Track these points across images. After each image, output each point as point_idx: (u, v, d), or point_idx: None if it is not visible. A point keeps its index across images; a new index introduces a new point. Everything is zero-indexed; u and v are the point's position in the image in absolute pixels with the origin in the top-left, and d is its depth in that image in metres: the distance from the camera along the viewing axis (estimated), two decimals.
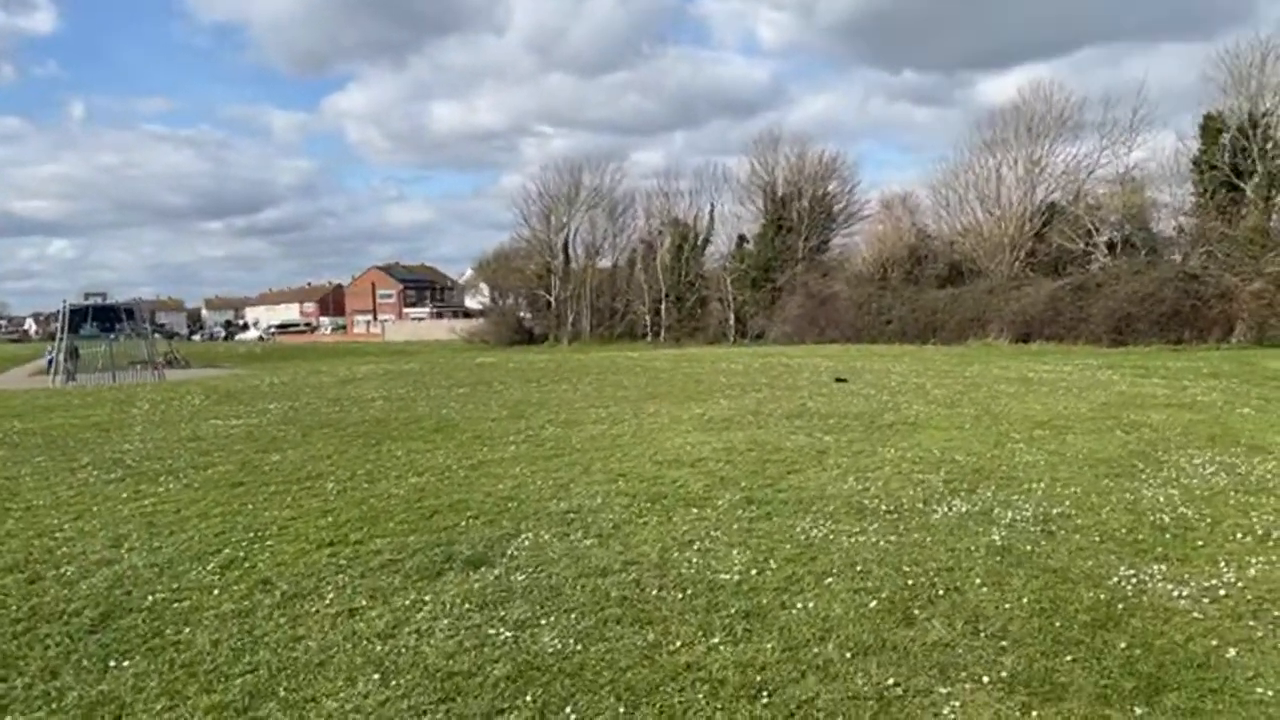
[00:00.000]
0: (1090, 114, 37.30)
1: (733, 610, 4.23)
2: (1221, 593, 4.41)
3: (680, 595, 4.48)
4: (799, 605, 4.25)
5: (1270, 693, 3.29)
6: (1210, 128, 32.10)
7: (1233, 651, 3.70)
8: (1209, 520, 5.88)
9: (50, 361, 24.87)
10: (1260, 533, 5.55)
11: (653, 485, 7.18)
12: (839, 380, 16.72)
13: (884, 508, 6.28)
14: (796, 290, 39.37)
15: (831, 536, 5.48)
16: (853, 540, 5.40)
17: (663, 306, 46.39)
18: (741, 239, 46.45)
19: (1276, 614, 4.12)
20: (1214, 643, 3.79)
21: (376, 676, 3.56)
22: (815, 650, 3.72)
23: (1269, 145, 30.82)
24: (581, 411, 12.24)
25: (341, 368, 22.91)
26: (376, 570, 4.95)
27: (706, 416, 11.60)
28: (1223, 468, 7.76)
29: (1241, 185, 30.59)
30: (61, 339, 24.97)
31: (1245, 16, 63.40)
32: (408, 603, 4.41)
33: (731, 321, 43.46)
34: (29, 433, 11.68)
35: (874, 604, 4.25)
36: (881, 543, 5.30)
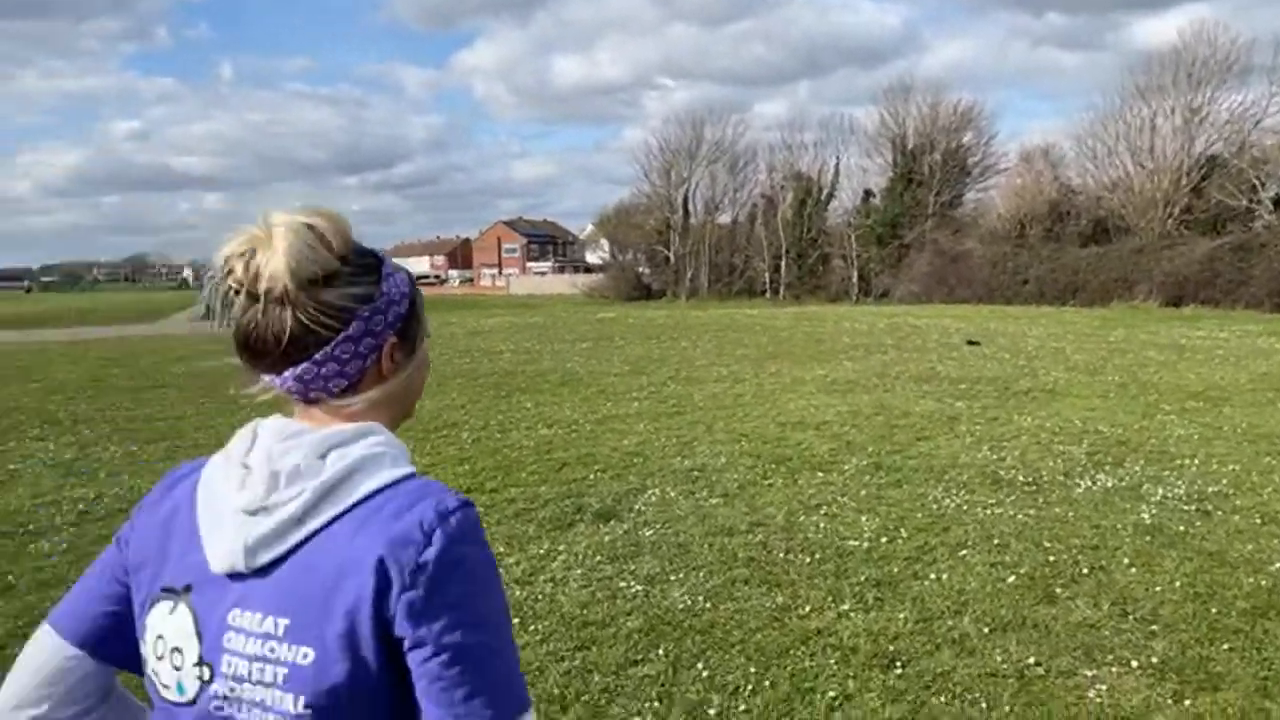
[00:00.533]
0: (1259, 57, 33.98)
1: (863, 578, 4.20)
2: None
3: (808, 559, 4.47)
4: (932, 576, 4.17)
5: None
6: None
7: None
8: None
9: (208, 307, 26.74)
10: None
11: (776, 447, 7.15)
12: (971, 343, 16.10)
13: (1021, 479, 6.05)
14: (925, 247, 37.92)
15: (965, 507, 5.33)
16: (988, 512, 5.24)
17: (783, 263, 45.59)
18: (868, 193, 44.97)
19: None
20: None
21: (516, 621, 3.72)
22: (950, 623, 3.66)
23: None
24: (703, 369, 12.27)
25: (470, 319, 23.66)
26: (512, 519, 5.16)
27: (830, 378, 11.42)
28: None
29: None
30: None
31: None
32: (542, 551, 4.58)
33: (854, 279, 42.32)
34: (193, 374, 12.64)
35: (1012, 579, 4.12)
36: (1020, 516, 5.12)
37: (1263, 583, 4.11)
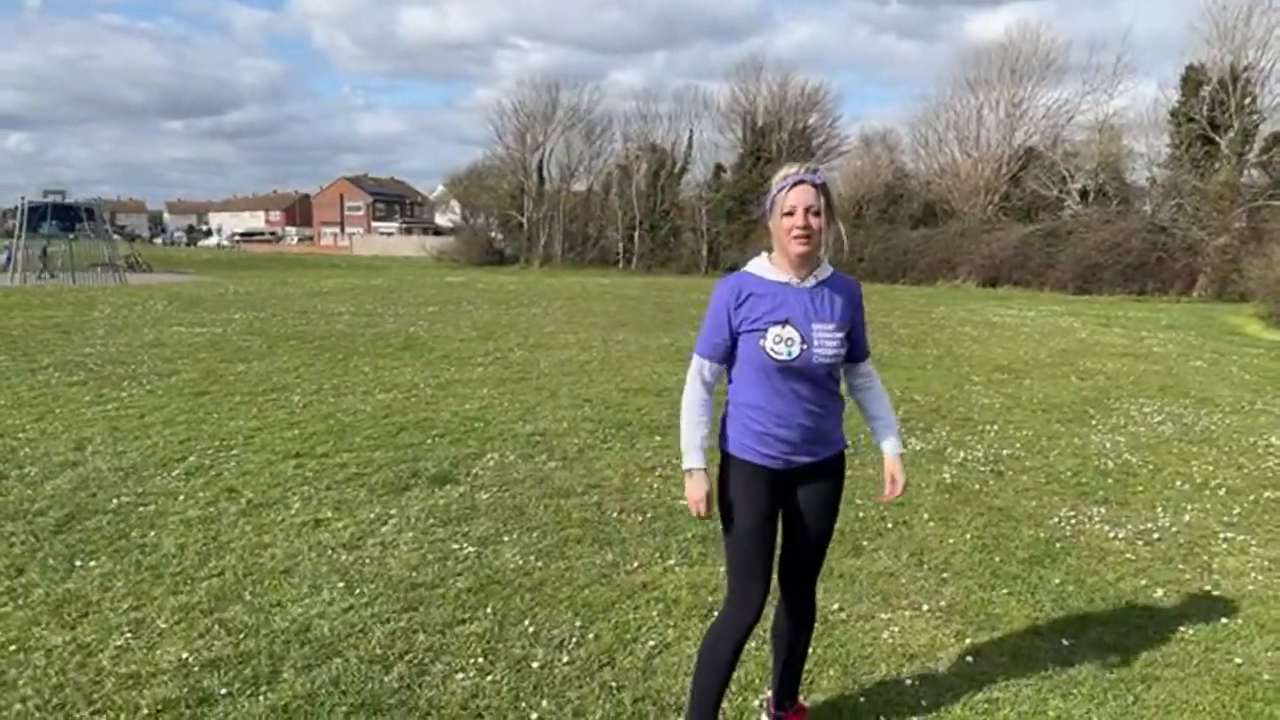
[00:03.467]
0: (1075, 57, 37.09)
1: (689, 534, 4.37)
2: (1155, 536, 4.63)
3: (640, 519, 4.61)
4: None
5: (1191, 631, 3.50)
6: (1191, 79, 32.03)
7: (1160, 592, 3.91)
8: (1151, 467, 6.12)
9: (9, 259, 24.25)
10: (1199, 481, 5.80)
11: (618, 411, 7.29)
12: None
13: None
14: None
15: None
16: None
17: (636, 234, 46.01)
18: (719, 168, 45.95)
19: (1205, 558, 4.35)
20: (1143, 583, 4.00)
21: (341, 584, 3.65)
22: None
23: (1247, 100, 30.87)
24: (551, 336, 12.28)
25: (308, 280, 22.61)
26: (342, 483, 5.03)
27: (674, 347, 11.69)
28: (1170, 417, 8.03)
29: (1217, 139, 30.73)
30: (20, 237, 24.33)
31: None
32: (373, 516, 4.49)
33: (704, 253, 43.30)
34: None
35: None
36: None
37: (1041, 535, 4.59)
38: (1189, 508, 5.17)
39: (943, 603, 3.69)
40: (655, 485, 5.23)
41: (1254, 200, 28.16)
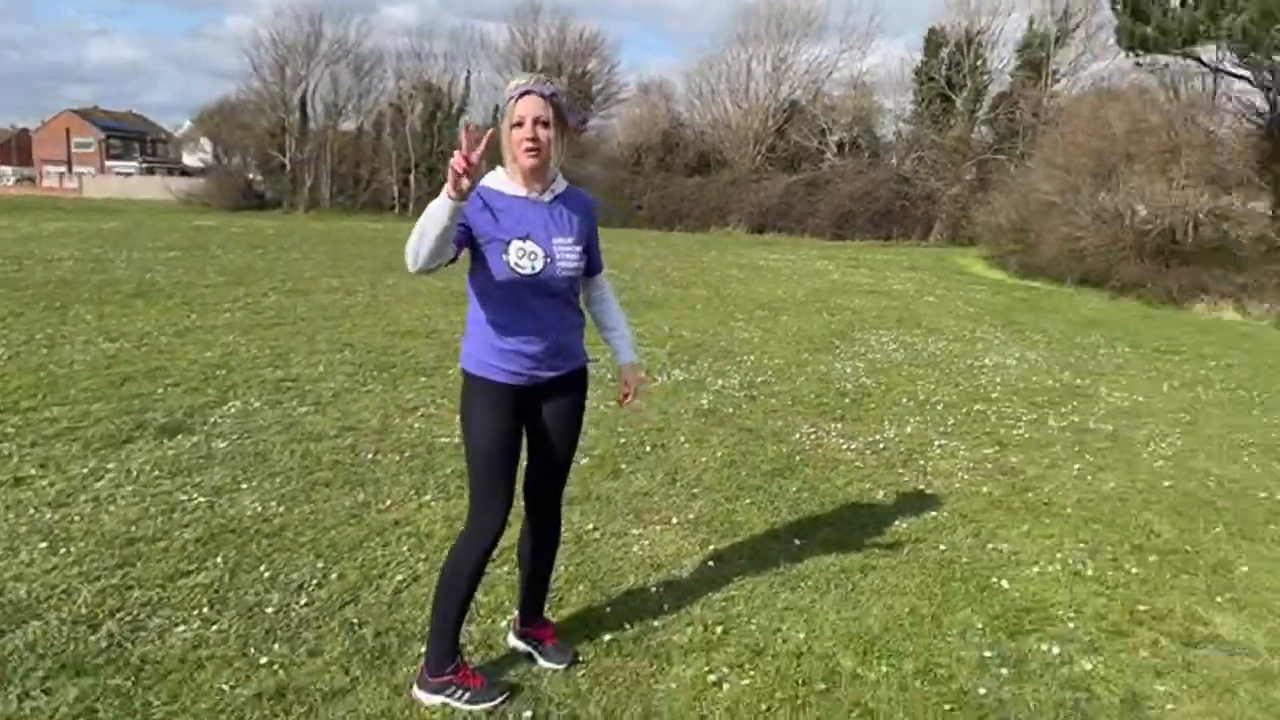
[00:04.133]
0: (834, 17, 39.46)
1: (449, 470, 4.28)
2: (881, 446, 5.10)
3: (398, 458, 4.45)
4: None
5: (905, 526, 3.89)
6: (933, 41, 35.07)
7: (881, 494, 4.32)
8: (883, 388, 6.73)
9: None
10: (922, 398, 6.45)
11: (382, 355, 6.98)
12: None
13: (609, 377, 6.55)
14: None
15: None
16: None
17: (412, 177, 44.13)
18: (497, 110, 44.94)
19: (921, 463, 4.85)
20: (868, 486, 4.40)
21: (44, 545, 3.24)
22: (519, 504, 3.86)
23: (979, 62, 34.26)
24: (311, 281, 11.54)
25: (24, 223, 19.76)
26: (51, 439, 4.45)
27: (447, 289, 11.35)
28: (902, 345, 8.87)
29: (953, 97, 33.93)
30: None
31: None
32: (85, 471, 4.02)
33: None
34: None
35: (586, 461, 4.47)
36: (602, 407, 5.56)
37: (784, 450, 4.92)
38: (912, 420, 5.74)
39: (691, 515, 3.86)
40: (416, 425, 5.07)
41: (982, 154, 31.45)
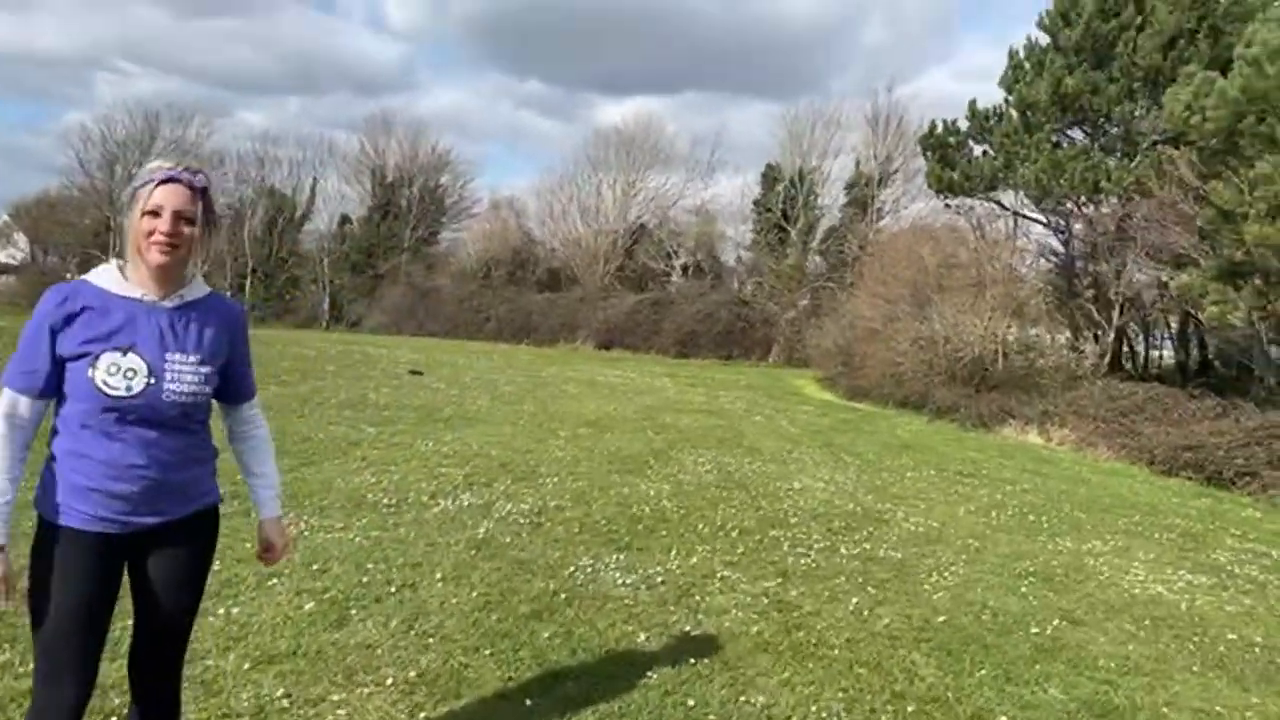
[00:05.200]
0: (681, 149, 41.54)
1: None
2: (659, 580, 4.74)
3: None
4: (221, 611, 3.73)
5: (658, 676, 3.50)
6: (769, 176, 37.39)
7: (643, 636, 3.92)
8: (682, 512, 6.44)
9: None
10: (718, 523, 6.20)
11: None
12: (414, 372, 16.33)
13: (386, 501, 5.98)
14: (399, 280, 38.34)
15: (308, 533, 5.03)
16: (330, 536, 5.00)
17: (248, 282, 42.30)
18: (345, 219, 44.16)
19: (697, 599, 4.51)
20: (631, 629, 4.00)
21: None
22: (211, 663, 3.24)
23: (812, 198, 36.63)
24: None
25: None
26: None
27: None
28: (717, 465, 8.71)
29: (788, 228, 35.96)
30: None
31: (816, 85, 75.44)
32: None
33: (326, 306, 40.99)
34: None
35: (311, 606, 3.88)
36: (359, 539, 4.97)
37: (551, 586, 4.47)
38: (700, 549, 5.44)
39: (413, 674, 3.32)
40: None
41: (815, 282, 33.18)
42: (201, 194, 1.98)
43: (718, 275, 36.69)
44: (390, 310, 36.65)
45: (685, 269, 37.14)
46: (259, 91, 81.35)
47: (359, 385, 13.36)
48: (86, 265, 36.56)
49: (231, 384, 2.13)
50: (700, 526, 6.08)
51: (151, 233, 1.90)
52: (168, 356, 1.94)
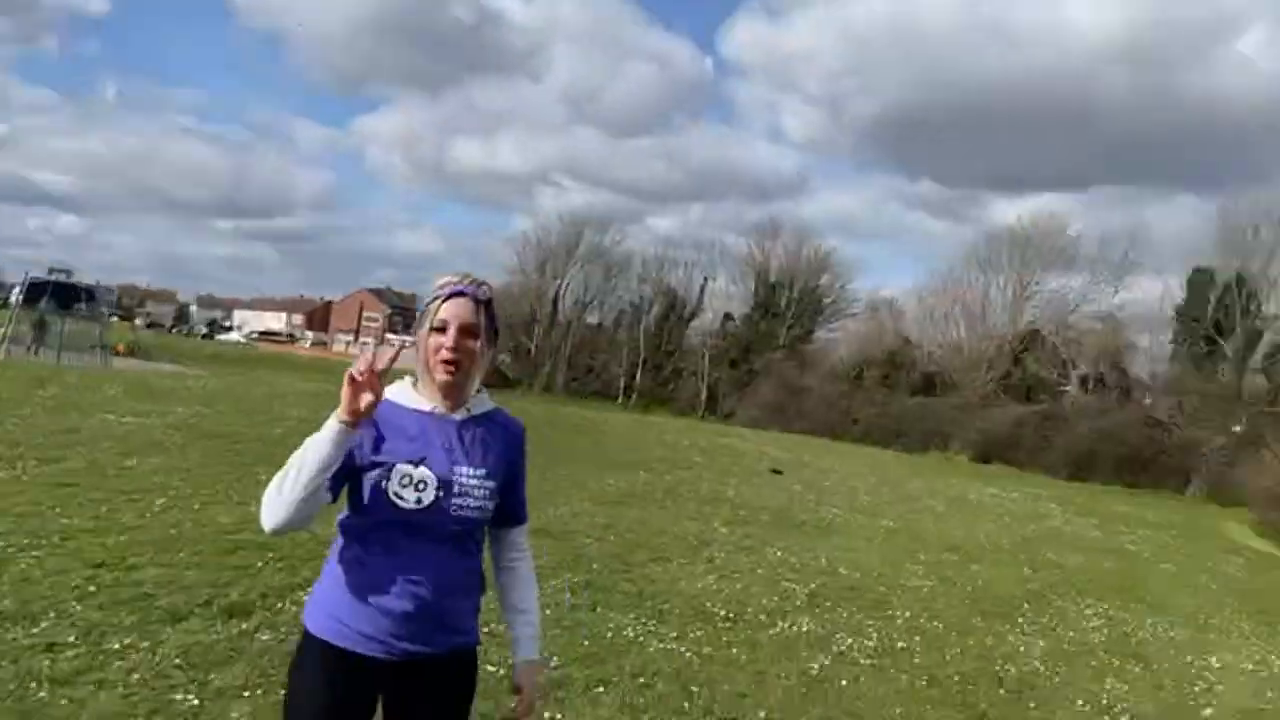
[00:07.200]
0: (1085, 248, 37.81)
1: None
2: None
3: None
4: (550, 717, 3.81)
5: None
6: (1198, 280, 32.46)
7: None
8: (1057, 680, 5.47)
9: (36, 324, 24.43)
10: (1104, 704, 5.15)
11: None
12: (774, 471, 16.35)
13: (724, 613, 5.85)
14: (771, 375, 39.25)
15: (642, 639, 5.04)
16: (662, 646, 4.97)
17: (639, 371, 46.16)
18: (728, 317, 46.58)
19: None
20: None
21: None
22: None
23: (1253, 306, 31.06)
24: None
25: (284, 380, 22.46)
26: (118, 604, 4.47)
27: (614, 487, 11.19)
28: (1109, 622, 7.40)
29: (1220, 341, 30.73)
30: (14, 310, 24.54)
31: (1261, 176, 65.07)
32: (115, 648, 3.93)
33: (703, 397, 43.18)
34: None
35: None
36: (690, 654, 4.87)
37: None
38: None
39: None
40: None
41: (1255, 405, 27.77)
42: (485, 306, 1.96)
43: (1125, 391, 32.31)
44: (761, 405, 37.54)
45: (1084, 381, 33.28)
46: (667, 199, 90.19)
47: (721, 480, 13.63)
48: (515, 349, 42.19)
49: (506, 505, 2.03)
50: (1080, 702, 5.09)
51: (438, 349, 1.90)
52: (455, 470, 1.90)
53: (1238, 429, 26.56)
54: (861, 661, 5.26)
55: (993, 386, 34.81)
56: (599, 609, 5.54)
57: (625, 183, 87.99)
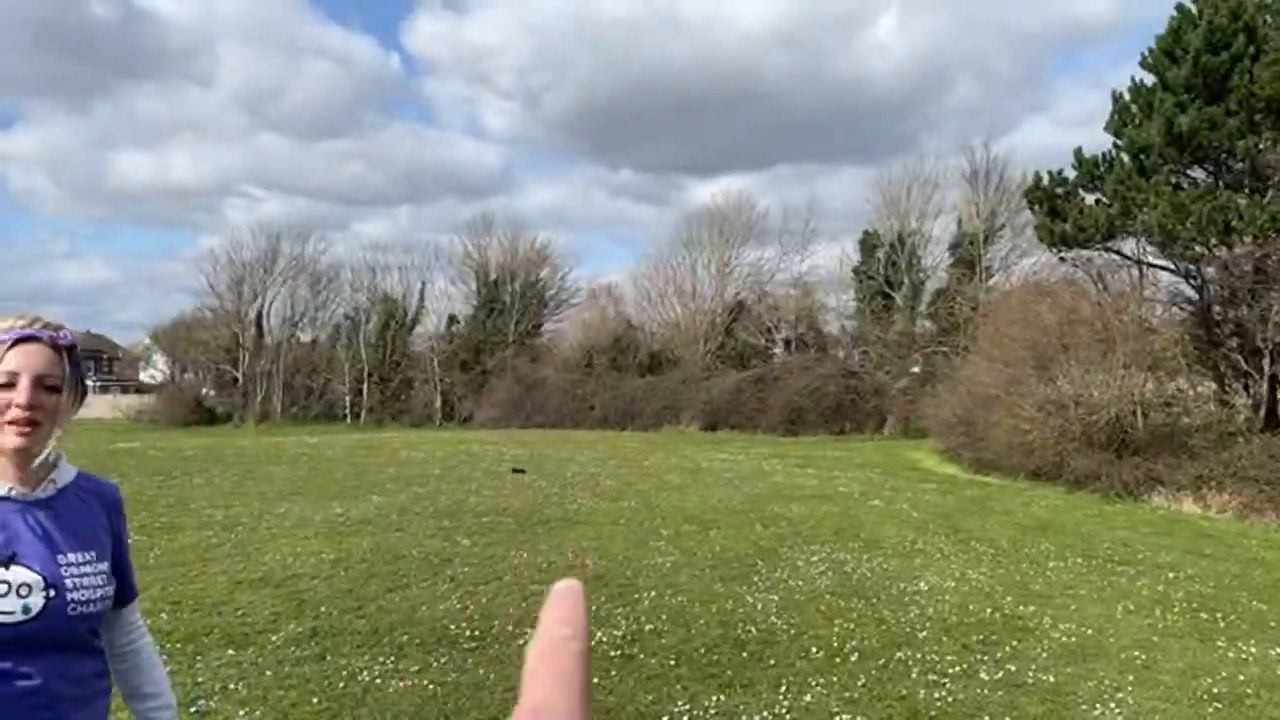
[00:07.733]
0: (773, 223, 41.35)
1: None
2: None
3: None
4: None
5: None
6: (868, 243, 36.60)
7: None
8: (792, 632, 5.77)
9: None
10: (835, 644, 5.50)
11: (207, 615, 5.94)
12: (516, 471, 16.14)
13: (469, 633, 5.57)
14: (506, 374, 38.99)
15: (379, 681, 4.63)
16: (403, 684, 4.59)
17: (365, 387, 43.91)
18: (452, 319, 45.59)
19: None
20: None
21: None
22: None
23: (915, 260, 35.55)
24: (195, 513, 10.51)
25: None
26: None
27: (344, 517, 10.40)
28: (832, 565, 7.98)
29: (893, 294, 34.90)
30: None
31: (909, 146, 74.91)
32: None
33: (438, 404, 42.02)
34: None
35: None
36: (432, 686, 4.54)
37: None
38: (814, 683, 4.77)
39: None
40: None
41: (926, 347, 31.87)
42: (68, 353, 1.59)
43: (822, 347, 35.80)
44: (499, 404, 37.19)
45: (788, 343, 36.45)
46: (372, 204, 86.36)
47: (460, 489, 13.19)
48: (219, 380, 38.49)
49: (115, 582, 1.67)
50: (814, 650, 5.40)
51: (8, 406, 1.50)
52: (60, 561, 1.53)
53: (915, 370, 30.40)
54: (611, 654, 5.22)
55: (710, 358, 37.07)
56: (329, 657, 5.03)
57: (323, 188, 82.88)
